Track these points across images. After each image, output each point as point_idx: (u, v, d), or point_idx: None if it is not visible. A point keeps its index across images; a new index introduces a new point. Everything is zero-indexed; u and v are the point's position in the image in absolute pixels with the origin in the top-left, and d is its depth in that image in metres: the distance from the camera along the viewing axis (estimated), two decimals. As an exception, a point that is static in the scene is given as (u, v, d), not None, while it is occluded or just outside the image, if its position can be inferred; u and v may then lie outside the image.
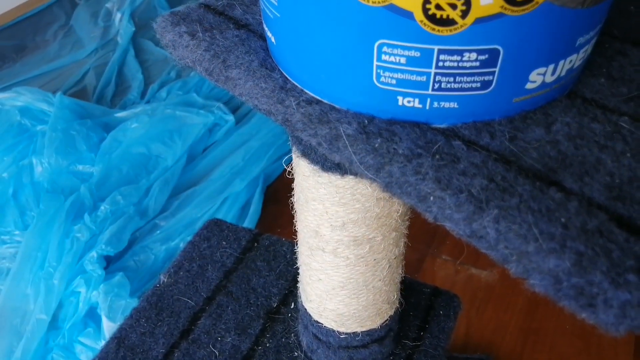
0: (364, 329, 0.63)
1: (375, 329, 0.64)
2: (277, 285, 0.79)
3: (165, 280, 0.81)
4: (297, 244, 0.64)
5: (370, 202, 0.52)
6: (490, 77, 0.34)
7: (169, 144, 1.58)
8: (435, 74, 0.34)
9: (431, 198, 0.34)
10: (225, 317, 0.75)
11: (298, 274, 0.67)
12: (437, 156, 0.35)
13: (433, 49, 0.33)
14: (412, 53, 0.33)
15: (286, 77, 0.41)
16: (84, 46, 2.24)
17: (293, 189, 0.58)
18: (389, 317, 0.64)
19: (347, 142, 0.37)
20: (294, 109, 0.39)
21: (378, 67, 0.34)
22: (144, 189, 1.48)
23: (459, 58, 0.33)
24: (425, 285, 0.77)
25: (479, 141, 0.36)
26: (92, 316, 1.23)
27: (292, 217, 0.61)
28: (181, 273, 0.82)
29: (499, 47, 0.33)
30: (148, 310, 0.77)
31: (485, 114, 0.37)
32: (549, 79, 0.36)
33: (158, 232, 1.40)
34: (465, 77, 0.34)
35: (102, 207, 1.39)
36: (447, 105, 0.36)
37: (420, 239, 1.49)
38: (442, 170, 0.34)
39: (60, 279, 1.26)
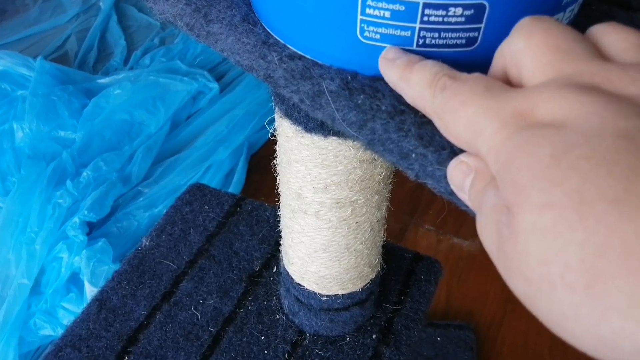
0: (345, 292, 0.64)
1: (356, 291, 0.64)
2: (260, 249, 0.79)
3: (147, 243, 0.81)
4: (279, 209, 0.63)
5: (353, 164, 0.52)
6: (476, 34, 0.34)
7: (152, 111, 1.57)
8: (420, 29, 0.33)
9: (413, 155, 0.34)
10: (207, 280, 0.75)
11: (280, 238, 0.67)
12: (420, 113, 0.35)
13: (418, 3, 0.32)
14: (397, 7, 0.33)
15: (268, 32, 0.41)
16: (65, 11, 2.20)
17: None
18: (370, 280, 0.65)
19: (329, 99, 0.37)
20: (276, 64, 0.39)
21: (362, 21, 0.34)
22: (127, 156, 1.47)
23: (444, 13, 0.33)
24: (407, 251, 0.78)
25: None
26: (74, 281, 1.23)
27: (275, 186, 0.61)
28: (163, 236, 0.81)
29: (485, 2, 0.32)
30: (130, 273, 0.77)
31: (470, 72, 0.37)
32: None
33: (141, 199, 1.40)
34: (450, 33, 0.34)
35: (85, 173, 1.38)
36: None
37: (404, 209, 1.50)
38: (425, 127, 0.34)
39: (42, 244, 1.25)
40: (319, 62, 0.38)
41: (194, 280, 0.75)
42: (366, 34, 0.35)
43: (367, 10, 0.33)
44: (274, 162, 0.59)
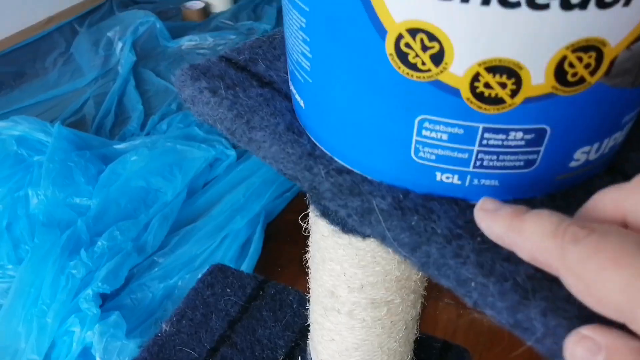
0: (376, 391, 0.61)
1: (388, 391, 0.61)
2: (284, 337, 0.76)
3: (167, 329, 0.79)
4: (306, 293, 0.61)
5: (390, 265, 0.50)
6: (535, 156, 0.33)
7: (169, 178, 1.56)
8: (478, 151, 0.32)
9: (472, 284, 0.32)
10: (230, 370, 0.73)
11: (305, 325, 0.65)
12: (479, 238, 0.33)
13: (478, 127, 0.31)
14: (455, 130, 0.31)
15: (315, 143, 0.39)
16: (83, 75, 2.23)
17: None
18: (403, 378, 0.62)
19: (380, 217, 0.35)
20: (322, 177, 0.38)
21: (417, 142, 0.33)
22: (143, 224, 1.45)
23: (504, 137, 0.31)
24: (435, 340, 0.75)
25: None
26: (85, 356, 1.20)
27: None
28: (184, 322, 0.79)
29: (546, 127, 0.31)
30: (149, 361, 0.74)
31: (526, 192, 0.35)
32: (593, 156, 0.34)
33: (156, 269, 1.37)
34: (508, 156, 0.32)
35: (99, 243, 1.37)
36: (487, 182, 0.34)
37: (422, 281, 1.47)
38: (484, 254, 0.32)
39: (54, 317, 1.23)
40: (368, 177, 0.37)
41: (216, 371, 0.72)
42: (421, 154, 0.33)
43: (424, 132, 0.32)
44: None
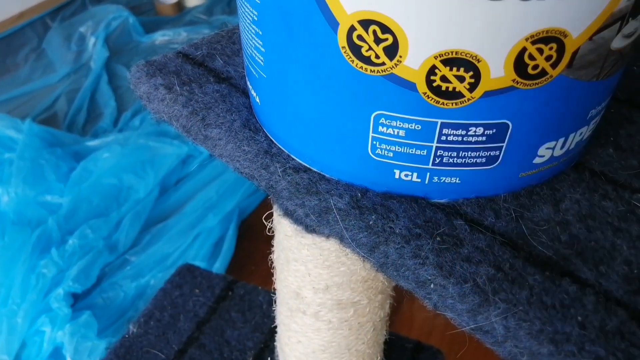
0: (345, 393, 0.60)
1: (357, 393, 0.60)
2: (253, 338, 0.75)
3: (135, 330, 0.77)
4: (274, 293, 0.60)
5: (356, 266, 0.49)
6: (497, 152, 0.31)
7: (141, 175, 1.53)
8: (437, 148, 0.31)
9: (431, 285, 0.31)
10: (197, 372, 0.71)
11: (274, 326, 0.63)
12: (438, 238, 0.32)
13: (436, 122, 0.30)
14: (413, 126, 0.30)
15: (271, 141, 0.38)
16: (55, 70, 2.19)
17: (269, 224, 0.54)
18: (373, 380, 0.61)
19: (338, 217, 0.34)
20: (279, 176, 0.36)
21: (374, 138, 0.31)
22: (114, 222, 1.43)
23: (464, 132, 0.30)
24: (408, 340, 0.74)
25: (483, 220, 0.33)
26: (56, 357, 1.18)
27: (267, 254, 0.58)
28: (151, 323, 0.77)
29: (508, 122, 0.30)
30: (115, 364, 0.72)
31: (489, 190, 0.34)
32: (558, 152, 0.33)
33: (128, 268, 1.35)
34: (469, 152, 0.31)
35: (70, 241, 1.34)
36: (448, 180, 0.33)
37: (399, 277, 1.46)
38: (444, 254, 0.31)
39: (24, 317, 1.20)
40: (327, 175, 0.36)
41: (183, 373, 0.71)
42: (378, 151, 0.32)
43: (380, 129, 0.31)
44: (265, 231, 0.56)
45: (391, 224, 0.32)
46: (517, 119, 0.30)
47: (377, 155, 0.32)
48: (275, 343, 0.65)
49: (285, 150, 0.37)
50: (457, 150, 0.31)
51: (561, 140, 0.32)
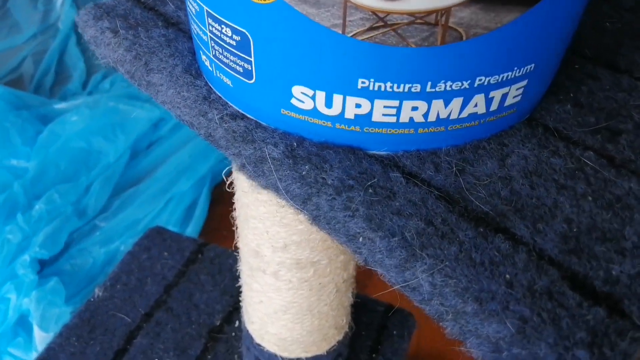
0: (308, 355, 0.60)
1: (321, 355, 0.60)
2: (221, 301, 0.74)
3: (100, 294, 0.76)
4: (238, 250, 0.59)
5: (316, 225, 0.48)
6: (249, 67, 0.31)
7: (111, 139, 1.50)
8: (211, 37, 0.32)
9: (360, 239, 0.30)
10: (164, 335, 0.70)
11: (243, 290, 0.63)
12: (371, 190, 0.31)
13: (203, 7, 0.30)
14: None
15: (210, 87, 0.37)
16: (21, 31, 2.12)
17: (229, 180, 0.53)
18: (337, 342, 0.61)
19: (272, 167, 0.33)
20: (216, 123, 0.35)
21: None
22: (83, 187, 1.40)
23: (219, 28, 0.31)
24: (378, 303, 0.74)
25: (420, 174, 0.32)
26: (22, 325, 1.16)
27: None
28: (118, 286, 0.76)
29: (247, 33, 0.30)
30: (80, 328, 0.71)
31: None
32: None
33: (97, 233, 1.33)
34: (230, 55, 0.31)
35: (37, 206, 1.31)
36: (225, 80, 0.33)
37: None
38: (375, 207, 0.30)
39: (-11, 283, 1.18)
40: (263, 123, 0.35)
41: (150, 336, 0.70)
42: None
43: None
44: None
45: (324, 175, 0.32)
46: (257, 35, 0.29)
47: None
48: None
49: (223, 97, 0.36)
50: (221, 47, 0.31)
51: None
